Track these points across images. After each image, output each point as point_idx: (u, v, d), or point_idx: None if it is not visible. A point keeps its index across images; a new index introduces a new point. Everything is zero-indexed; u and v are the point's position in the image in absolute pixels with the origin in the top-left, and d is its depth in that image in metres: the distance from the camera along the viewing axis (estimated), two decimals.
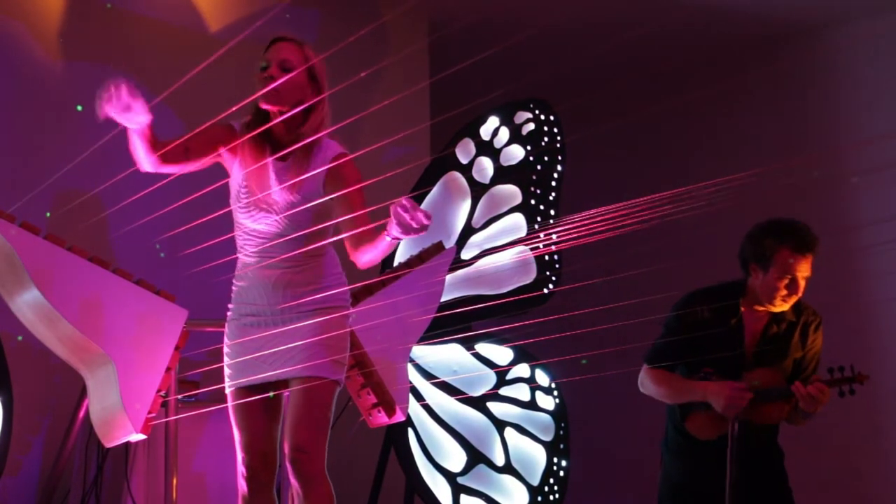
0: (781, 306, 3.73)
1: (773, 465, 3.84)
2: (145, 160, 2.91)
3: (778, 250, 3.66)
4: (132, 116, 2.70)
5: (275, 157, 3.10)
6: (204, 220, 3.14)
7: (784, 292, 3.68)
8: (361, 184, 3.10)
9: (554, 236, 4.67)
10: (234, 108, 2.89)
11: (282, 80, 3.00)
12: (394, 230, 2.74)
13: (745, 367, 3.77)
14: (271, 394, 3.11)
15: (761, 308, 3.77)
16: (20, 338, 4.08)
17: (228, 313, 3.21)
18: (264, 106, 3.07)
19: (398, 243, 2.83)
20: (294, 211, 3.06)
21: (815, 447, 5.28)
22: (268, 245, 3.09)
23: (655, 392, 3.86)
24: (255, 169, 3.09)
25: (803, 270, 3.66)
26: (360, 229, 2.95)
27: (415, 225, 2.66)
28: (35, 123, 4.70)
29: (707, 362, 3.75)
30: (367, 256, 2.96)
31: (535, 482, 4.76)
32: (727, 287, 3.84)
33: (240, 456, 3.12)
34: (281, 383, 3.13)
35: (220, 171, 3.24)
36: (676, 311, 3.83)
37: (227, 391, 3.16)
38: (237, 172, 3.15)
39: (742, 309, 3.79)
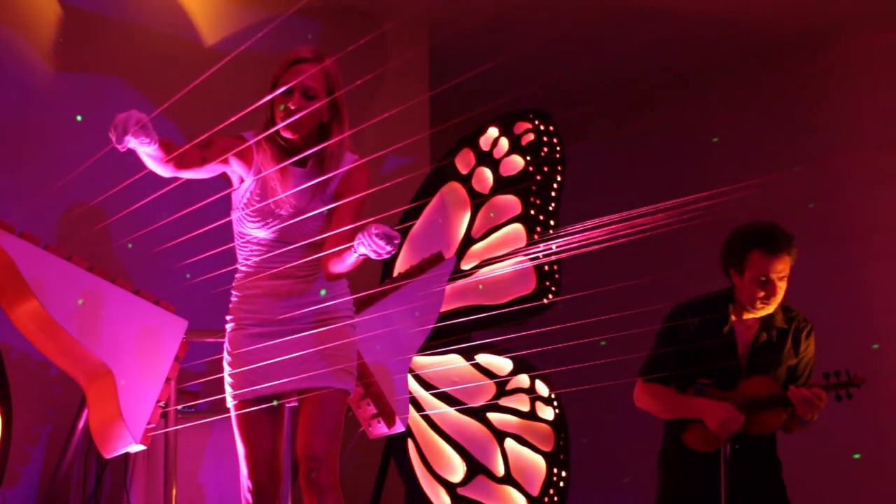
0: (763, 309, 3.74)
1: (770, 476, 3.83)
2: (161, 168, 2.89)
3: (749, 252, 3.69)
4: (143, 139, 2.69)
5: (294, 159, 3.08)
6: (205, 230, 3.14)
7: (761, 293, 3.69)
8: (359, 195, 3.10)
9: (553, 246, 4.67)
10: (243, 113, 2.87)
11: (305, 111, 3.00)
12: (360, 248, 2.77)
13: (739, 376, 3.77)
14: (275, 402, 3.09)
15: (749, 316, 3.78)
16: None
17: (229, 325, 3.18)
18: (286, 135, 3.06)
19: (363, 260, 2.89)
20: (306, 216, 3.05)
21: (814, 455, 5.28)
22: (276, 254, 3.08)
23: (651, 407, 3.87)
24: (273, 174, 3.07)
25: (777, 271, 3.68)
26: (333, 249, 2.97)
27: (382, 254, 2.73)
28: (35, 134, 4.71)
29: (702, 373, 3.76)
30: (335, 268, 2.98)
31: (535, 493, 4.75)
32: (716, 297, 3.85)
33: (245, 469, 3.08)
34: (284, 393, 3.11)
35: (219, 182, 3.24)
36: (667, 323, 3.85)
37: (230, 403, 3.12)
38: (249, 180, 3.11)
39: (732, 318, 3.80)
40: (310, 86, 3.04)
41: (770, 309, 3.75)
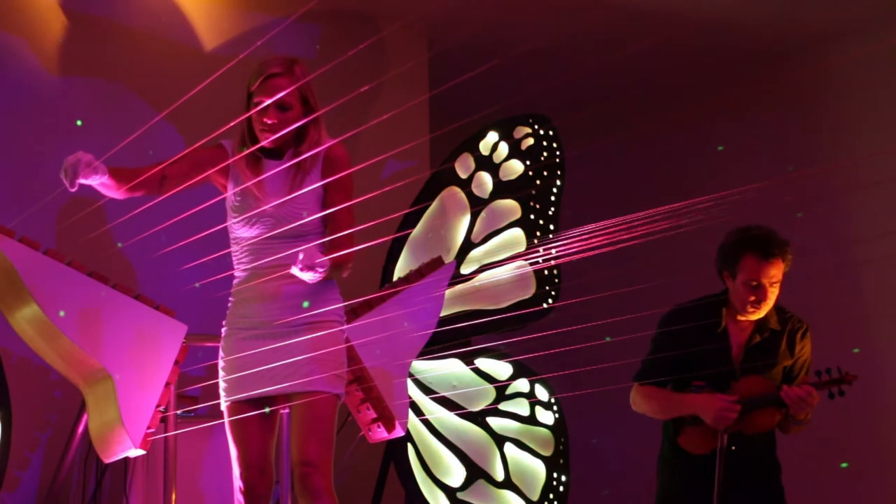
0: (753, 314, 3.74)
1: (768, 479, 3.83)
2: (116, 194, 3.01)
3: (742, 256, 3.70)
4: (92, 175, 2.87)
5: (276, 169, 3.13)
6: (204, 234, 3.15)
7: (752, 297, 3.69)
8: (348, 196, 3.15)
9: (553, 251, 4.67)
10: (223, 129, 2.92)
11: (284, 131, 3.07)
12: (295, 271, 2.93)
13: (732, 377, 3.77)
14: (267, 409, 3.12)
15: (743, 318, 3.79)
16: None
17: (223, 329, 3.22)
18: (266, 144, 3.13)
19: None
20: (301, 222, 3.07)
21: (814, 456, 5.28)
22: (268, 256, 3.10)
23: (647, 409, 3.87)
24: (249, 174, 3.13)
25: (769, 276, 3.68)
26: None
27: (311, 280, 2.93)
28: (35, 138, 4.71)
29: (696, 376, 3.76)
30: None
31: (535, 497, 4.75)
32: (710, 299, 3.85)
33: (237, 470, 3.13)
34: (277, 398, 3.13)
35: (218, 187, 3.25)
36: (661, 327, 3.85)
37: (223, 406, 3.17)
38: (232, 186, 3.17)
39: (725, 320, 3.80)
40: (283, 100, 3.11)
41: (760, 314, 3.75)
